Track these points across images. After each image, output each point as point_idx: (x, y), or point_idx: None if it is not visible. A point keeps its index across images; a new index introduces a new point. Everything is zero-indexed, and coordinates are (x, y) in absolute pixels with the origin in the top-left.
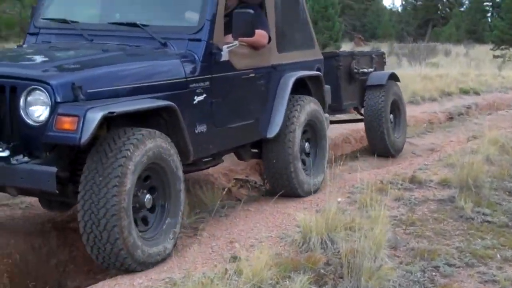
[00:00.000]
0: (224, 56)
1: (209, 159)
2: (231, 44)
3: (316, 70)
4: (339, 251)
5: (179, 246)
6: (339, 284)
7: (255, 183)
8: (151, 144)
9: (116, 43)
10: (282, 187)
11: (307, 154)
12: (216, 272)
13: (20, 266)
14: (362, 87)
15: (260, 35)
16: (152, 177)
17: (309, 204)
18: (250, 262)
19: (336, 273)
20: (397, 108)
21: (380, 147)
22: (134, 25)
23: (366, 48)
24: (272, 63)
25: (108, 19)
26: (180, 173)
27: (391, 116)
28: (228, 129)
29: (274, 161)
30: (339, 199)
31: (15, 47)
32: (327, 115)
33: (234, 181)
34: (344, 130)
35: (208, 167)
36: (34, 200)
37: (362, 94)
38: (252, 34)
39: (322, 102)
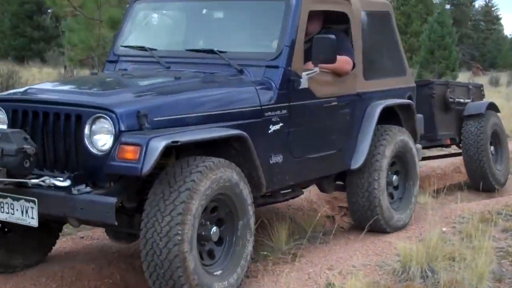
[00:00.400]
0: (304, 84)
1: (288, 190)
2: (311, 71)
3: (408, 99)
4: (438, 282)
5: (276, 271)
6: None
7: None
8: (219, 173)
9: (193, 71)
10: (367, 222)
11: (395, 188)
12: None
13: (120, 285)
14: (459, 118)
15: (343, 61)
16: (220, 209)
17: (412, 233)
18: None
19: None
20: (497, 139)
21: (480, 180)
22: (211, 51)
23: (482, 78)
24: (357, 90)
25: (186, 46)
26: (249, 206)
27: (492, 148)
28: (307, 160)
29: (359, 194)
30: (444, 229)
31: (89, 74)
32: (419, 146)
33: (338, 208)
34: (455, 160)
35: (287, 199)
36: None
37: (459, 125)
38: (333, 60)
39: (413, 132)
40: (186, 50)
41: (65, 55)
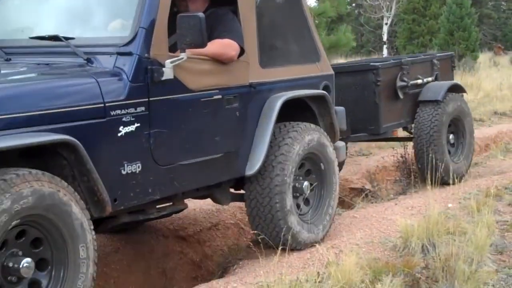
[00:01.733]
0: (168, 74)
1: (167, 204)
2: (176, 59)
3: (324, 89)
4: (438, 255)
5: (278, 253)
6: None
7: (370, 191)
8: (31, 193)
9: (35, 62)
10: (269, 236)
11: (307, 196)
12: (308, 275)
13: (127, 272)
14: (415, 103)
15: (225, 45)
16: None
17: (417, 210)
18: (342, 266)
19: (433, 277)
20: (460, 126)
21: (431, 174)
22: (56, 38)
23: (504, 58)
24: (251, 81)
25: (30, 33)
26: (84, 232)
27: (451, 136)
28: (180, 168)
29: (259, 205)
30: (449, 205)
31: None
32: (340, 144)
33: (349, 190)
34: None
35: (165, 215)
36: None
37: (414, 111)
38: (202, 43)
39: (331, 129)
40: (30, 38)
41: None
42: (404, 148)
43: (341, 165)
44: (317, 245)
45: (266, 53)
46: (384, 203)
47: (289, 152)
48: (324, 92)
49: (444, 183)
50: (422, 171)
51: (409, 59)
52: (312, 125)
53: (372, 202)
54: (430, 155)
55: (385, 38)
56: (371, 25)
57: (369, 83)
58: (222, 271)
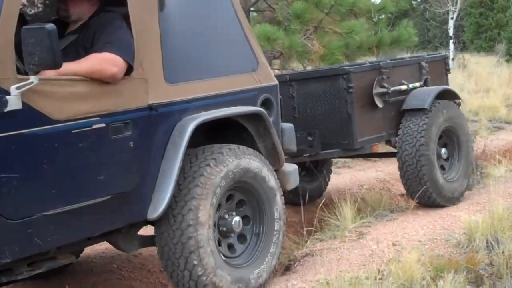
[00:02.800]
0: (14, 103)
1: (44, 260)
2: (22, 83)
3: (263, 103)
4: (503, 252)
5: (340, 249)
6: (497, 284)
7: None
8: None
9: None
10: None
11: (241, 236)
12: (369, 273)
13: None
14: (398, 113)
15: (104, 60)
16: None
17: (482, 206)
18: (403, 263)
19: (497, 273)
20: (454, 138)
21: (415, 189)
22: None
23: None
24: (151, 102)
25: None
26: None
27: (443, 150)
28: (41, 220)
29: (171, 251)
30: None
31: None
32: (290, 167)
33: None
34: None
35: (49, 272)
36: None
37: (398, 122)
38: (54, 64)
39: (273, 151)
40: None
41: None
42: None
43: (319, 190)
44: (378, 243)
45: (176, 65)
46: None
47: (206, 184)
48: (258, 109)
49: (436, 205)
50: (410, 193)
51: (389, 61)
52: (242, 148)
53: None
54: (417, 173)
55: (451, 33)
56: (437, 20)
57: (340, 90)
58: (284, 269)
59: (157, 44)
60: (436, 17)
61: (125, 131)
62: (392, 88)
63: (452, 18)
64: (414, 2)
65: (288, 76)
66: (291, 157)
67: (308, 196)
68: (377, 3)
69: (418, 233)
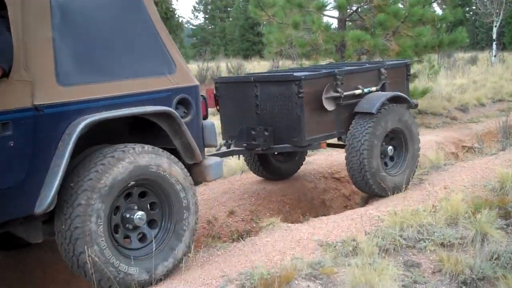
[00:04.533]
0: None
1: None
2: None
3: (179, 103)
4: None
5: (407, 190)
6: None
7: (477, 148)
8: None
9: None
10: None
11: (143, 234)
12: (425, 207)
13: (296, 202)
14: (351, 114)
15: None
16: None
17: None
18: (451, 201)
19: None
20: (402, 138)
21: (360, 183)
22: None
23: None
24: (37, 103)
25: None
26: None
27: (389, 148)
28: None
29: (63, 240)
30: None
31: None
32: (213, 160)
33: (461, 147)
34: None
35: None
36: None
37: (350, 122)
38: None
39: (188, 148)
40: None
41: (265, 50)
42: (507, 117)
43: (292, 168)
44: (433, 186)
45: (72, 68)
46: (488, 157)
47: (100, 179)
48: (166, 109)
49: (376, 195)
50: (353, 181)
51: (344, 69)
52: (139, 147)
53: (478, 156)
54: (360, 167)
55: (494, 36)
56: (484, 27)
57: (292, 95)
58: (364, 202)
59: (48, 48)
60: (483, 25)
61: (4, 131)
62: (345, 93)
63: (495, 26)
64: (467, 15)
65: (252, 78)
66: (247, 149)
67: (282, 173)
68: (440, 14)
69: (463, 180)
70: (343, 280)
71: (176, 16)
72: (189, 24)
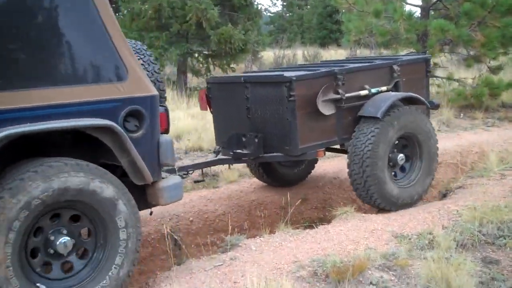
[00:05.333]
0: None
1: None
2: None
3: (129, 115)
4: None
5: (487, 185)
6: None
7: None
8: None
9: None
10: None
11: (82, 255)
12: (507, 203)
13: None
14: (356, 117)
15: None
16: None
17: None
18: None
19: None
20: (415, 145)
21: (364, 195)
22: None
23: None
24: None
25: None
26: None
27: (400, 156)
28: None
29: None
30: None
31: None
32: (172, 181)
33: None
34: None
35: None
36: None
37: (354, 127)
38: None
39: (134, 169)
40: None
41: (343, 38)
42: None
43: (300, 176)
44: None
45: None
46: None
47: (12, 198)
48: (104, 122)
49: (381, 209)
50: (357, 195)
51: (348, 67)
52: (59, 165)
53: None
54: (363, 178)
55: None
56: None
57: (282, 98)
58: (443, 196)
59: None
60: None
61: None
62: (348, 94)
63: None
64: None
65: (243, 78)
66: (234, 158)
67: (289, 180)
68: None
69: None
70: (417, 273)
71: (255, 3)
72: (267, 12)
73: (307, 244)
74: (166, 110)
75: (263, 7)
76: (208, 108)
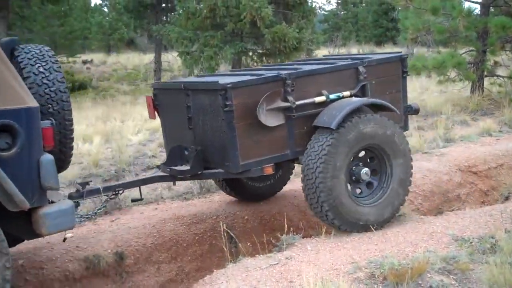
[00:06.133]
0: None
1: None
2: None
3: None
4: None
5: None
6: None
7: None
8: None
9: None
10: None
11: None
12: None
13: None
14: (311, 128)
15: None
16: None
17: None
18: None
19: None
20: (383, 157)
21: (319, 213)
22: None
23: None
24: None
25: None
26: None
27: (364, 170)
28: None
29: None
30: None
31: None
32: (62, 207)
33: None
34: None
35: None
36: None
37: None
38: None
39: (4, 193)
40: None
41: (400, 36)
42: None
43: (270, 190)
44: None
45: None
46: None
47: None
48: None
49: (339, 229)
50: (314, 213)
51: (299, 71)
52: None
53: None
54: (316, 194)
55: None
56: None
57: (218, 107)
58: (505, 199)
59: None
60: None
61: None
62: (299, 102)
63: None
64: None
65: (183, 84)
66: (171, 176)
67: (258, 194)
68: None
69: None
70: (479, 277)
71: (309, 1)
72: (321, 10)
73: (363, 245)
74: (53, 125)
75: (317, 5)
76: (155, 116)
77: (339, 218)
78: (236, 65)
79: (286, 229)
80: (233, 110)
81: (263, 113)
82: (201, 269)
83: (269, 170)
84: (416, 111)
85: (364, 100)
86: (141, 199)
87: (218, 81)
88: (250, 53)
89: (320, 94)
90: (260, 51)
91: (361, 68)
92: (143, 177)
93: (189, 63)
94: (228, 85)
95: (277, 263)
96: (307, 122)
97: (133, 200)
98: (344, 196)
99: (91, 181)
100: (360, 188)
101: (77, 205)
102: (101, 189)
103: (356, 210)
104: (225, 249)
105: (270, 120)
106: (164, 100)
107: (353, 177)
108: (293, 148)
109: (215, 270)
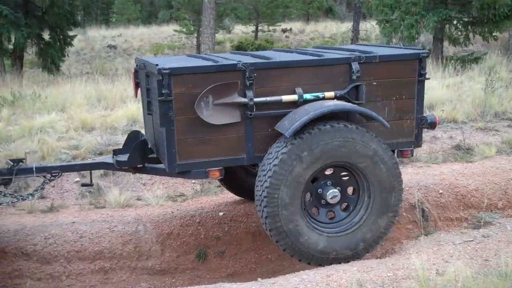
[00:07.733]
0: None
1: None
2: None
3: None
4: None
5: None
6: None
7: None
8: None
9: None
10: None
11: None
12: None
13: None
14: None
15: None
16: None
17: None
18: None
19: None
20: (359, 176)
21: (268, 232)
22: None
23: None
24: None
25: None
26: None
27: (332, 193)
28: None
29: None
30: None
31: None
32: None
33: None
34: None
35: None
36: None
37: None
38: None
39: None
40: None
41: None
42: None
43: None
44: None
45: None
46: None
47: None
48: None
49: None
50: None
51: (263, 61)
52: None
53: None
54: (262, 218)
55: None
56: None
57: (156, 96)
58: None
59: None
60: None
61: None
62: (258, 99)
63: None
64: None
65: (144, 64)
66: (117, 165)
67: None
68: None
69: None
70: None
71: None
72: None
73: None
74: None
75: None
76: (137, 95)
77: (287, 245)
78: (438, 34)
79: (484, 207)
80: (171, 100)
81: (207, 107)
82: (390, 239)
83: (215, 174)
84: (432, 125)
85: (331, 106)
86: (91, 185)
87: (157, 65)
88: (455, 22)
89: (293, 92)
90: (466, 19)
91: (354, 65)
92: (84, 161)
93: (387, 31)
94: (165, 71)
95: (472, 240)
96: (274, 123)
97: (83, 185)
98: (299, 218)
99: (25, 158)
100: (333, 212)
101: (6, 182)
102: (34, 169)
103: (318, 241)
104: (417, 221)
105: (217, 117)
106: (140, 78)
107: (322, 200)
108: (251, 153)
109: (404, 241)
